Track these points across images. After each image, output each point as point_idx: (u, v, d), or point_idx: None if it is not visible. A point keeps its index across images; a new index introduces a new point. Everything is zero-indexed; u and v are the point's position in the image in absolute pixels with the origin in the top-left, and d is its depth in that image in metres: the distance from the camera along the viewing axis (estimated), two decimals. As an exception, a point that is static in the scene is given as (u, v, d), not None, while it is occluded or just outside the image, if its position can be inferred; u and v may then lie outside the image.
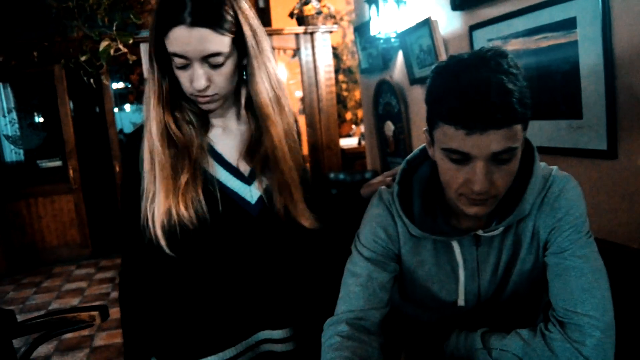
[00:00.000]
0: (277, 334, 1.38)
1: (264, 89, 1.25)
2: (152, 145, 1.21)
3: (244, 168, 1.32)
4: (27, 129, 6.09)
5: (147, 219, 1.20)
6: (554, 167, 1.15)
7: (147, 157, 1.22)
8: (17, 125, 5.98)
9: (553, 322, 1.07)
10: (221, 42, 1.14)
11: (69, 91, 5.64)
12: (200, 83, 1.16)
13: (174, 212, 1.19)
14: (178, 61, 1.15)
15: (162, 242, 1.20)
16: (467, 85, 0.95)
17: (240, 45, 1.20)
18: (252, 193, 1.32)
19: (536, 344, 1.05)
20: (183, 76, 1.18)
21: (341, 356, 1.08)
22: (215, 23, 1.12)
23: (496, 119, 0.93)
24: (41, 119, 6.22)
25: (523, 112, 0.96)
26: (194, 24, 1.10)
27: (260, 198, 1.32)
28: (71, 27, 3.64)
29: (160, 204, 1.19)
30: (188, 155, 1.23)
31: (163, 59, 1.19)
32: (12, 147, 6.05)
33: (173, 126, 1.22)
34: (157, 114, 1.21)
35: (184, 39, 1.11)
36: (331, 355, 1.10)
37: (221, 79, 1.19)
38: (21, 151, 6.17)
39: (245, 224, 1.31)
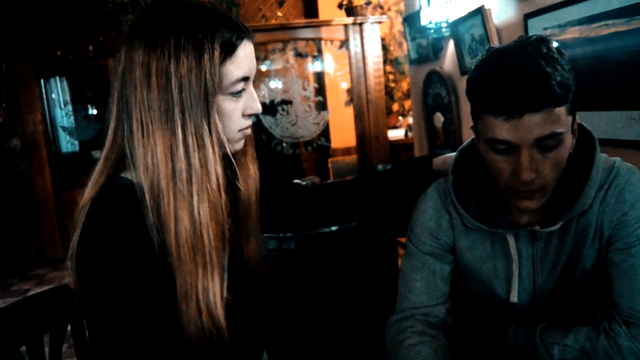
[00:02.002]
0: None
1: None
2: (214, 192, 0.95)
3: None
4: (82, 120, 6.28)
5: (203, 305, 0.94)
6: (617, 159, 1.09)
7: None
8: (72, 117, 6.17)
9: (618, 321, 1.02)
10: None
11: (122, 84, 5.77)
12: (259, 105, 1.03)
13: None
14: (239, 87, 0.98)
15: (223, 324, 0.96)
16: (503, 72, 0.93)
17: None
18: None
19: (600, 344, 1.01)
20: (237, 107, 1.00)
21: (417, 352, 1.06)
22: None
23: (532, 101, 0.91)
24: (95, 111, 6.40)
25: (562, 95, 0.92)
26: (250, 37, 1.01)
27: None
28: (125, 21, 3.73)
29: (219, 274, 0.97)
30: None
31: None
32: (68, 138, 6.25)
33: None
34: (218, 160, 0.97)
35: (251, 53, 1.00)
36: (405, 352, 1.07)
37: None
38: (76, 142, 6.37)
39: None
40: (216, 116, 0.94)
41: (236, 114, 0.99)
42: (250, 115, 1.02)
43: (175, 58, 0.90)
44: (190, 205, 0.92)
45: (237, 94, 0.98)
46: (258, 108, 1.01)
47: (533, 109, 0.92)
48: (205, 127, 0.92)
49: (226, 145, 0.98)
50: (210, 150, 0.93)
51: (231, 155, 1.01)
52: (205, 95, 0.92)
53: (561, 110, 0.94)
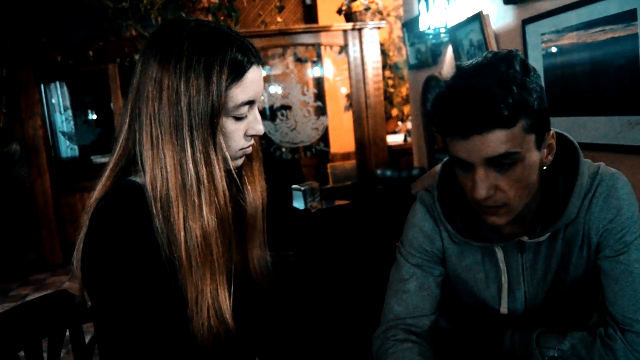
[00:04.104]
0: None
1: None
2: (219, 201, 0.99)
3: None
4: (81, 125, 6.29)
5: (212, 309, 0.99)
6: (601, 164, 1.08)
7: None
8: (72, 122, 6.18)
9: (613, 327, 1.02)
10: None
11: (122, 89, 5.79)
12: (261, 127, 1.06)
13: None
14: (243, 110, 1.01)
15: (232, 325, 1.02)
16: (454, 93, 0.94)
17: None
18: None
19: (596, 349, 1.01)
20: (239, 128, 1.02)
21: (402, 357, 1.06)
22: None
23: (477, 123, 0.91)
24: (95, 116, 6.40)
25: (511, 116, 0.90)
26: (260, 62, 1.04)
27: None
28: (125, 26, 3.74)
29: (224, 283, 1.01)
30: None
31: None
32: (67, 143, 6.25)
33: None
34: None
35: (259, 78, 1.02)
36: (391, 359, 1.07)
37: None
38: (76, 147, 6.37)
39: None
40: (220, 135, 0.98)
41: (238, 134, 1.02)
42: (251, 136, 1.05)
43: (186, 78, 0.94)
44: (200, 216, 0.96)
45: (241, 117, 1.01)
46: (260, 130, 1.05)
47: (478, 130, 0.91)
48: (212, 145, 0.96)
49: (229, 163, 1.01)
50: (216, 166, 0.97)
51: (234, 171, 1.04)
52: (212, 116, 0.95)
53: (515, 131, 0.92)
